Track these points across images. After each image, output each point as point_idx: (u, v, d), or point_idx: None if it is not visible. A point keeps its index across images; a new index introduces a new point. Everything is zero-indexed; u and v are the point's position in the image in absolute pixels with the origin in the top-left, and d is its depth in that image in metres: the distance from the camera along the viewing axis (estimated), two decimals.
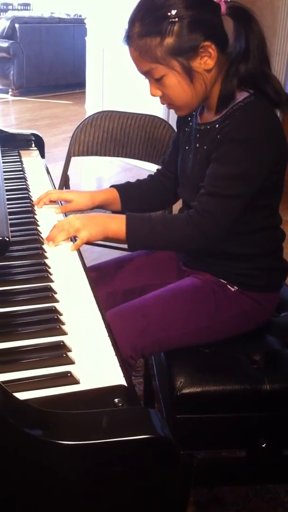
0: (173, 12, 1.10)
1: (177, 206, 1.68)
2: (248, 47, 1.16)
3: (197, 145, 1.27)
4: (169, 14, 1.10)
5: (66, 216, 1.35)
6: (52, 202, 1.41)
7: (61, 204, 1.42)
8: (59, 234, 1.20)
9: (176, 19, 1.10)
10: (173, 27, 1.11)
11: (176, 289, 1.30)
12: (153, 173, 1.52)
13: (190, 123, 1.33)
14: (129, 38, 1.16)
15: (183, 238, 1.23)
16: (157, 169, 1.52)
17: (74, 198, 1.38)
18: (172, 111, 1.29)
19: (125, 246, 1.69)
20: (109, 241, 1.28)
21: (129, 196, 1.45)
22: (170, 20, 1.10)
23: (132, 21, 1.15)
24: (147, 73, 1.19)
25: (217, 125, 1.20)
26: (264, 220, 1.26)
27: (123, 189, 1.45)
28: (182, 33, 1.11)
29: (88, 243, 1.24)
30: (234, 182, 1.16)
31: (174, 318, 1.24)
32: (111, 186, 1.46)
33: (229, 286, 1.30)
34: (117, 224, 1.22)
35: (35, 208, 1.37)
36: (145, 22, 1.12)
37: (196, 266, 1.35)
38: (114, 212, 1.46)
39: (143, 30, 1.13)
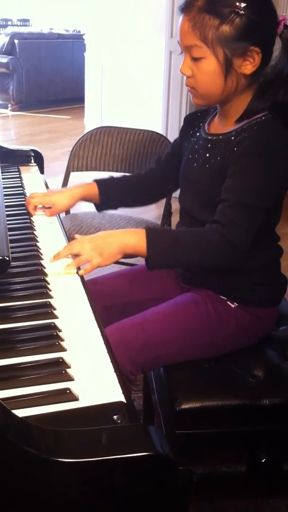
0: (242, 5, 1.11)
1: (175, 216, 1.68)
2: None
3: (207, 154, 1.27)
4: (237, 4, 1.11)
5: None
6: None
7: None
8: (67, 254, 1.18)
9: (242, 12, 1.11)
10: (235, 18, 1.12)
11: (176, 304, 1.30)
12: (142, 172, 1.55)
13: (198, 133, 1.34)
14: (188, 7, 1.16)
15: (210, 249, 1.17)
16: (149, 168, 1.53)
17: (55, 202, 1.43)
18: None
19: (126, 260, 1.67)
20: (128, 257, 1.21)
21: (109, 195, 1.48)
22: (236, 10, 1.11)
23: None
24: (187, 48, 1.18)
25: (233, 137, 1.21)
26: (263, 236, 1.26)
27: (104, 186, 1.48)
28: (241, 28, 1.12)
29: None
30: (257, 194, 1.16)
31: (174, 334, 1.24)
32: (94, 180, 1.49)
33: (229, 303, 1.30)
34: (137, 237, 1.18)
35: (34, 225, 1.38)
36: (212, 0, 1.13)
37: (195, 282, 1.35)
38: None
39: (207, 6, 1.13)
